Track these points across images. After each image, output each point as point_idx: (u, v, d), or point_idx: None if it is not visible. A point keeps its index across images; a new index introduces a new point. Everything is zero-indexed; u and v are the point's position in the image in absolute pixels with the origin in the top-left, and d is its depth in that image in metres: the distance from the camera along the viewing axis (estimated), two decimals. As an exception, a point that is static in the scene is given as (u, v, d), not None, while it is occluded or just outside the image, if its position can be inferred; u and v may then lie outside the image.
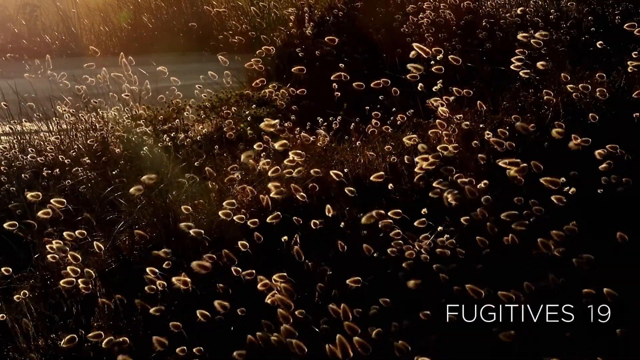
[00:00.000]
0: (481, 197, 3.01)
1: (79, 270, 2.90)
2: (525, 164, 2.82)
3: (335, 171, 3.21)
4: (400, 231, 2.96)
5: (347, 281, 2.76)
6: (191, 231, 2.98)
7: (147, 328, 3.01)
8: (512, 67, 3.54)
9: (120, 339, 2.69)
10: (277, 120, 3.27)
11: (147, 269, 2.88)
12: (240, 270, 2.84)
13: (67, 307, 3.15)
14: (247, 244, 2.97)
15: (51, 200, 3.15)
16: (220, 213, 3.05)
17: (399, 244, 2.93)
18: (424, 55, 3.29)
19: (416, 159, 3.08)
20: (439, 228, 3.07)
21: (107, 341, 2.68)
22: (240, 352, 2.48)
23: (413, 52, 3.30)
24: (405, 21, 5.74)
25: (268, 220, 3.06)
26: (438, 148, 3.18)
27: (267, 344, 2.54)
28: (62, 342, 2.75)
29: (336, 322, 2.53)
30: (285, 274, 2.73)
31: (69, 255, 2.96)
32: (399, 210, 2.98)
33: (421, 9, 5.48)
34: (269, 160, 3.32)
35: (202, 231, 3.01)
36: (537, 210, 2.97)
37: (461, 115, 3.86)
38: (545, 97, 3.82)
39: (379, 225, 2.94)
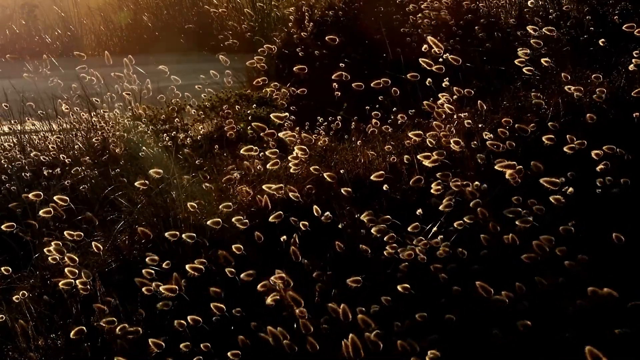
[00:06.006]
0: (480, 197, 3.01)
1: (76, 271, 2.90)
2: (521, 166, 2.82)
3: (329, 173, 3.20)
4: (394, 234, 2.94)
5: (348, 281, 2.75)
6: (184, 235, 2.99)
7: (147, 327, 3.01)
8: (516, 61, 3.55)
9: (133, 329, 2.70)
10: (285, 114, 3.26)
11: (144, 271, 2.88)
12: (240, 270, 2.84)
13: (67, 307, 3.15)
14: (245, 245, 2.97)
15: (54, 197, 3.15)
16: (209, 222, 3.05)
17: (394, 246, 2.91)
18: (437, 51, 3.30)
19: (419, 156, 3.08)
20: (434, 229, 3.07)
21: (120, 328, 2.69)
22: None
23: (425, 46, 3.31)
24: (405, 21, 5.73)
25: (270, 219, 3.06)
26: (440, 144, 3.18)
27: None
28: (71, 334, 2.76)
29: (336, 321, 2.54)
30: (283, 275, 2.73)
31: (66, 257, 2.96)
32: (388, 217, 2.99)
33: (422, 9, 5.48)
34: (270, 155, 3.31)
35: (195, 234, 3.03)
36: (537, 210, 2.96)
37: (462, 114, 3.85)
38: (545, 97, 3.82)
39: (372, 230, 2.94)
